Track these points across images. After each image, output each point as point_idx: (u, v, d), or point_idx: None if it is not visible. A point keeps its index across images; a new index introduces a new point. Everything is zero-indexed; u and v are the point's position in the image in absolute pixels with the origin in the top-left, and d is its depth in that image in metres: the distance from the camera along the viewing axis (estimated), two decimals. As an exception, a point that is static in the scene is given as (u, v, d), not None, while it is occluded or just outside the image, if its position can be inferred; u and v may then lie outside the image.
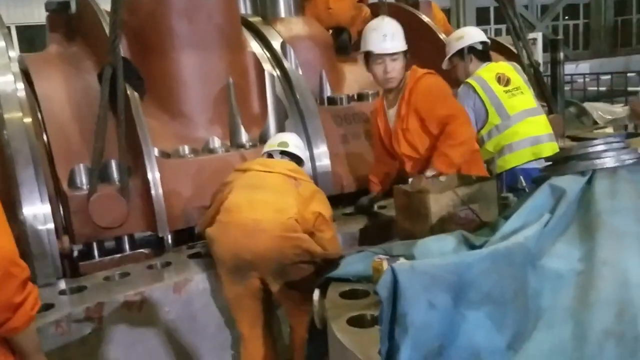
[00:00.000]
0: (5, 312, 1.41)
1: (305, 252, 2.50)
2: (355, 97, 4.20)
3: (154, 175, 3.00)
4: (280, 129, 3.58)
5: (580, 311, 1.27)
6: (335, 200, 3.88)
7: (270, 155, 2.91)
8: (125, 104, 3.03)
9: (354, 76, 4.39)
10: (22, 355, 1.55)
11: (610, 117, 6.45)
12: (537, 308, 1.36)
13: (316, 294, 1.95)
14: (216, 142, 3.43)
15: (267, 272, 2.50)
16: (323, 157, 3.71)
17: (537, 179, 1.70)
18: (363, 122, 3.98)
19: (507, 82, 3.49)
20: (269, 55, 3.91)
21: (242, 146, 3.48)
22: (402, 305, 1.27)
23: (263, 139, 3.46)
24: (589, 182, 1.54)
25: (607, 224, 1.40)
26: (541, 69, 5.30)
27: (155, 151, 3.10)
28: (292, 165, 2.86)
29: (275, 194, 2.62)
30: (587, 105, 6.83)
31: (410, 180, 2.73)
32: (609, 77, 9.50)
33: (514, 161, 3.39)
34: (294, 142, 2.98)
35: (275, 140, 3.00)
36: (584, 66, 10.36)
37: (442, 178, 2.62)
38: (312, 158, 3.67)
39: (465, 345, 1.27)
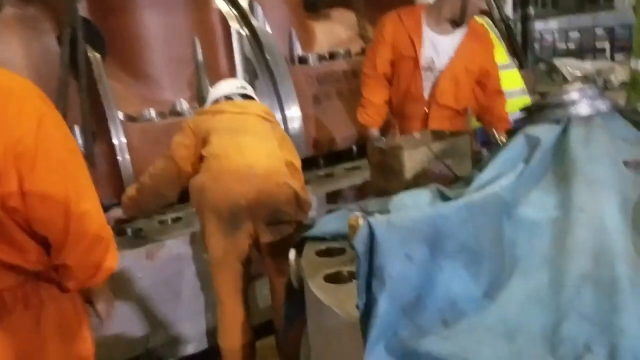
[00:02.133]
0: (92, 271, 1.49)
1: (294, 198, 2.47)
2: (327, 56, 4.12)
3: (119, 140, 2.92)
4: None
5: (556, 258, 1.28)
6: (309, 163, 3.87)
7: (229, 98, 2.77)
8: (86, 66, 2.91)
9: (325, 34, 4.30)
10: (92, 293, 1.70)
11: (579, 73, 6.51)
12: (513, 257, 1.36)
13: (292, 253, 1.93)
14: (184, 105, 3.34)
15: (260, 220, 2.45)
16: (295, 119, 3.65)
17: (512, 129, 1.68)
18: (335, 81, 3.92)
19: (479, 37, 3.45)
20: (235, 13, 3.79)
21: (210, 108, 3.39)
22: (379, 259, 1.25)
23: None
24: (564, 130, 1.53)
25: (582, 172, 1.40)
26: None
27: (120, 115, 2.99)
28: (265, 106, 2.82)
29: (259, 137, 2.57)
30: (557, 61, 6.87)
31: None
32: (577, 34, 9.56)
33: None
34: (248, 86, 2.89)
35: (230, 84, 2.88)
36: (553, 24, 10.39)
37: (415, 134, 2.60)
38: (284, 120, 3.62)
39: (442, 295, 1.27)
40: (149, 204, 2.69)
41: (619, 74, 6.44)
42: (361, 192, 3.30)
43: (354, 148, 4.04)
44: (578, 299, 1.14)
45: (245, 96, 2.79)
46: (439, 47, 2.83)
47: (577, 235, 1.26)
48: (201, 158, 2.54)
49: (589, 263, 1.20)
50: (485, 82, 2.95)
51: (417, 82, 2.86)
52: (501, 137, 2.15)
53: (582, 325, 1.09)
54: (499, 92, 3.03)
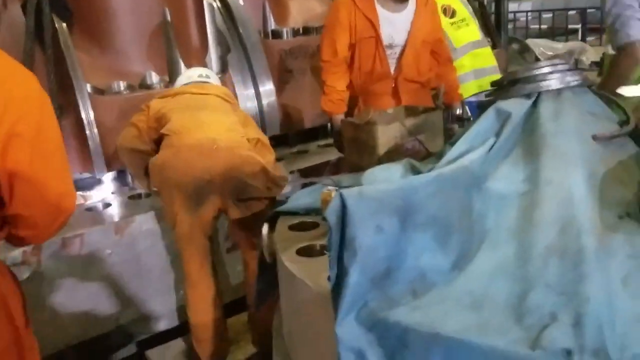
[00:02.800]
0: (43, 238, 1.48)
1: (261, 172, 2.43)
2: (301, 30, 4.06)
3: (87, 113, 2.84)
4: (223, 64, 3.43)
5: (523, 230, 1.29)
6: (283, 140, 3.84)
7: None
8: (52, 36, 2.81)
9: (299, 8, 4.23)
10: None
11: (551, 53, 6.58)
12: (481, 229, 1.37)
13: (265, 228, 1.91)
14: (153, 77, 3.26)
15: (226, 194, 2.42)
16: (269, 94, 3.60)
17: (483, 104, 1.69)
18: (310, 57, 3.86)
19: (453, 14, 3.46)
20: (208, -16, 3.70)
21: (182, 82, 3.32)
22: (351, 230, 1.25)
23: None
24: (534, 104, 1.54)
25: (551, 145, 1.41)
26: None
27: (88, 87, 2.91)
28: (226, 89, 2.77)
29: (220, 113, 2.53)
30: (529, 42, 6.93)
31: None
32: (550, 15, 9.63)
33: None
34: (213, 75, 2.86)
35: (192, 72, 2.84)
36: (526, 4, 10.45)
37: (389, 110, 2.60)
38: (257, 95, 3.56)
39: (411, 267, 1.28)
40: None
41: (590, 55, 6.54)
42: (335, 169, 3.30)
43: (329, 125, 4.02)
44: (544, 270, 1.16)
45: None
46: (395, 24, 2.86)
47: (544, 208, 1.28)
48: (161, 138, 2.50)
49: (555, 235, 1.22)
50: (439, 51, 3.02)
51: (383, 61, 2.89)
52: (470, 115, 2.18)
53: (548, 295, 1.11)
54: (450, 60, 3.12)
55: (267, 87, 3.57)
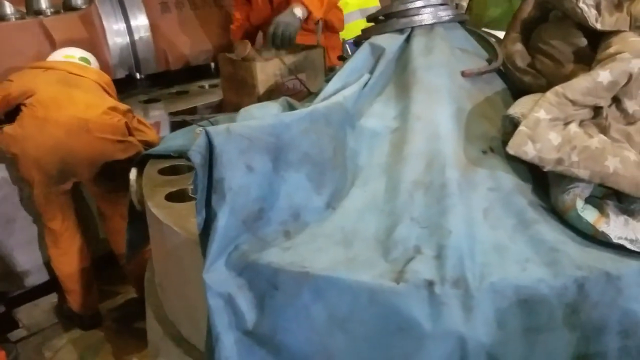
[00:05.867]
0: None
1: (136, 155, 2.26)
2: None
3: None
4: (88, -6, 3.09)
5: (393, 166, 1.29)
6: (160, 79, 3.59)
7: None
8: None
9: None
10: None
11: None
12: (355, 167, 1.36)
13: (133, 173, 1.78)
14: (7, 8, 2.88)
15: (89, 177, 2.27)
16: (142, 29, 3.32)
17: (358, 40, 1.65)
18: (187, -12, 3.59)
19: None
20: None
21: (41, 13, 2.97)
22: (219, 170, 1.17)
23: (67, 5, 2.97)
24: (407, 40, 1.53)
25: (421, 80, 1.41)
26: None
27: None
28: (107, 77, 2.55)
29: (95, 96, 2.32)
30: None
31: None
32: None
33: (344, 34, 3.36)
34: (94, 60, 2.64)
35: (73, 52, 2.60)
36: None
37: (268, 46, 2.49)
38: (129, 31, 3.27)
39: (285, 206, 1.24)
40: None
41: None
42: (217, 111, 3.15)
43: (212, 65, 3.82)
44: (410, 204, 1.17)
45: None
46: None
47: (413, 143, 1.28)
48: (20, 107, 2.27)
49: (422, 169, 1.22)
50: None
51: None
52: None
53: (412, 228, 1.12)
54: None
55: (140, 21, 3.28)
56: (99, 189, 2.39)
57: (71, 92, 2.29)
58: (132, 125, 2.38)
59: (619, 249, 1.07)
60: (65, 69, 2.41)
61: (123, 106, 2.43)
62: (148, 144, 2.35)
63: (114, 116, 2.28)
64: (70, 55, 2.56)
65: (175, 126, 2.65)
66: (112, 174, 2.27)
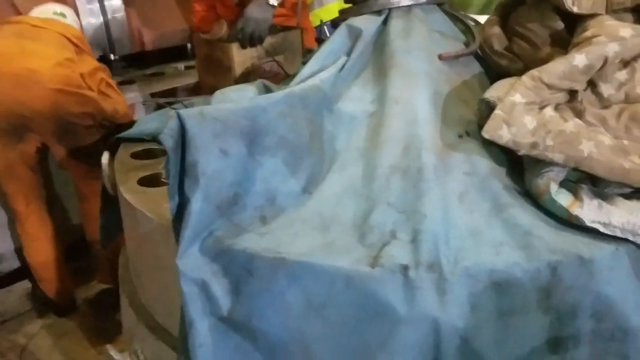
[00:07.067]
0: None
1: (95, 111, 2.19)
2: None
3: None
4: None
5: (370, 150, 1.28)
6: (134, 60, 3.51)
7: None
8: None
9: None
10: None
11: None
12: (332, 151, 1.34)
13: (105, 156, 1.74)
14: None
15: (47, 132, 2.16)
16: (116, 9, 3.23)
17: (336, 21, 1.62)
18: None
19: None
20: None
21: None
22: (192, 154, 1.15)
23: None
24: (385, 22, 1.51)
25: (399, 64, 1.39)
26: None
27: None
28: (77, 31, 2.44)
29: (51, 47, 2.22)
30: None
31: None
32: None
33: (323, 15, 3.32)
34: (71, 14, 2.54)
35: (47, 8, 2.50)
36: None
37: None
38: (102, 11, 3.18)
39: (260, 192, 1.22)
40: None
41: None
42: (193, 94, 3.10)
43: (189, 46, 3.74)
44: (387, 189, 1.16)
45: None
46: None
47: (390, 128, 1.27)
48: None
49: (399, 153, 1.21)
50: None
51: None
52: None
53: (389, 213, 1.11)
54: None
55: (114, 1, 3.20)
56: (74, 166, 2.32)
57: (24, 44, 2.19)
58: (100, 88, 2.28)
59: (593, 233, 1.08)
60: (28, 22, 2.32)
61: (93, 62, 2.32)
62: (116, 112, 2.29)
63: (67, 68, 2.18)
64: (45, 10, 2.47)
65: (149, 109, 2.59)
66: (87, 150, 2.20)
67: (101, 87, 2.31)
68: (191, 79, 3.23)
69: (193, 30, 2.79)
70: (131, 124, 1.93)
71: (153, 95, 2.93)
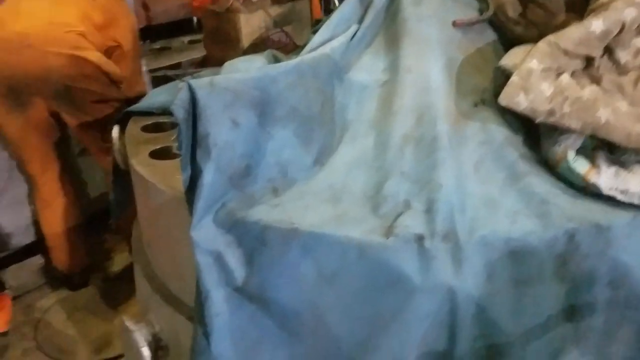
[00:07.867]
0: None
1: (98, 72, 2.14)
2: None
3: None
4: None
5: (382, 120, 1.26)
6: (141, 34, 3.48)
7: None
8: None
9: None
10: None
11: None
12: (343, 122, 1.33)
13: (115, 130, 1.73)
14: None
15: (48, 97, 2.13)
16: (122, -19, 3.18)
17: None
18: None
19: None
20: None
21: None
22: (203, 126, 1.14)
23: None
24: (397, -11, 1.47)
25: (411, 32, 1.36)
26: None
27: None
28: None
29: (49, 3, 2.16)
30: None
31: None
32: None
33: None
34: None
35: None
36: None
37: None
38: (107, -17, 3.13)
39: (272, 163, 1.21)
40: None
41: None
42: (202, 67, 3.07)
43: (195, 19, 3.70)
44: (400, 159, 1.14)
45: None
46: None
47: (403, 97, 1.25)
48: None
49: (412, 123, 1.20)
50: None
51: None
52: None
53: (402, 183, 1.10)
54: None
55: (119, -27, 3.15)
56: (89, 138, 2.28)
57: (19, 6, 2.13)
58: (112, 58, 2.21)
59: (610, 201, 1.06)
60: None
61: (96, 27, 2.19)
62: (123, 79, 2.24)
63: (62, 27, 2.10)
64: None
65: (157, 82, 2.57)
66: (101, 124, 2.17)
67: (114, 56, 2.25)
68: (197, 52, 3.21)
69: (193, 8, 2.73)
70: (141, 97, 1.92)
71: (160, 69, 2.91)
